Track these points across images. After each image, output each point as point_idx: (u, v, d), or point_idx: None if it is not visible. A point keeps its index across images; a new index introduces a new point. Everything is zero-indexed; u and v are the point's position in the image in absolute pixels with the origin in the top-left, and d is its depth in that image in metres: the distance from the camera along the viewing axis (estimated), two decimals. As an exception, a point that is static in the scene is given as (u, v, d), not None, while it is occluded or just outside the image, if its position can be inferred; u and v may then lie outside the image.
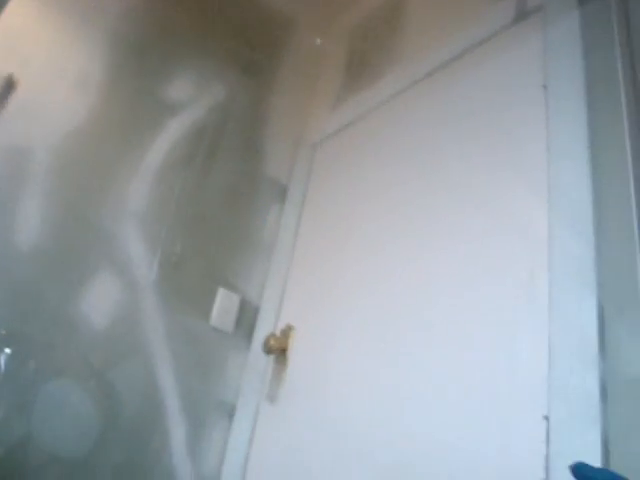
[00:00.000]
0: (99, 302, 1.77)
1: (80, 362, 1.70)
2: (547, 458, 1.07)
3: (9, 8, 1.79)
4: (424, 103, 1.88)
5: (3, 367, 1.55)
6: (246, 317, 2.08)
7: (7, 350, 1.57)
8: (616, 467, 0.98)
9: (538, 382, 1.14)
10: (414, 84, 1.96)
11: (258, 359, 1.98)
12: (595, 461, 0.99)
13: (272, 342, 1.89)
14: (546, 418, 1.10)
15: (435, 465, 1.29)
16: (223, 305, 2.02)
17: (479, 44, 1.74)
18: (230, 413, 1.98)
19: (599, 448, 0.99)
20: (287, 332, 1.93)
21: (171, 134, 2.07)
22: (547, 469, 1.06)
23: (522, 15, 1.64)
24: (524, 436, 1.14)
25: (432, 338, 1.45)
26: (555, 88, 1.44)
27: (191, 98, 2.18)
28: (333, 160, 2.23)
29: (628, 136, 1.23)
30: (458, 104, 1.73)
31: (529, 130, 1.44)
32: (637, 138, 1.24)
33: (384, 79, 2.12)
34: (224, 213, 2.13)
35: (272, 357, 1.94)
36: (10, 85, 1.78)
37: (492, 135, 1.55)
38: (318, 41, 2.60)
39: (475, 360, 1.31)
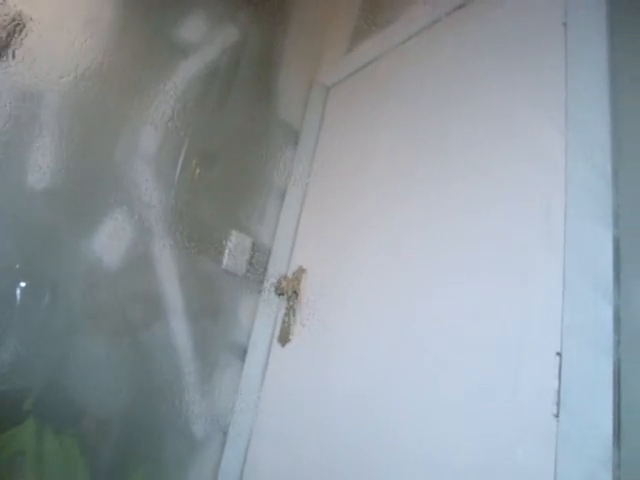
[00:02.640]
0: (112, 242, 1.77)
1: (92, 302, 1.71)
2: (559, 393, 1.07)
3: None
4: (441, 43, 1.83)
5: (19, 299, 1.56)
6: (258, 260, 2.08)
7: (22, 284, 1.59)
8: (627, 400, 0.98)
9: (551, 318, 1.14)
10: (431, 25, 1.91)
11: (270, 301, 1.99)
12: (607, 394, 0.99)
13: (284, 284, 1.90)
14: (559, 354, 1.10)
15: (446, 398, 1.30)
16: (235, 248, 2.02)
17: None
18: (242, 355, 1.99)
19: (610, 382, 0.99)
20: (299, 274, 1.93)
21: (184, 76, 2.04)
22: (558, 404, 1.07)
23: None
24: (536, 373, 1.14)
25: (446, 274, 1.45)
26: (576, 26, 1.40)
27: (203, 39, 2.13)
28: (347, 103, 2.20)
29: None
30: (477, 43, 1.69)
31: (549, 65, 1.41)
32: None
33: (400, 20, 2.07)
34: (236, 156, 2.11)
35: (283, 299, 1.95)
36: (20, 23, 1.76)
37: (511, 71, 1.51)
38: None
39: (488, 295, 1.31)
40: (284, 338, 1.88)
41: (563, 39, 1.41)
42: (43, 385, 1.59)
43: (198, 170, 1.98)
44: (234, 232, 2.03)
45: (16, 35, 1.74)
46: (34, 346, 1.59)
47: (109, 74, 1.88)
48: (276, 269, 2.05)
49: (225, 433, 1.90)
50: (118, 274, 1.77)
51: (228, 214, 2.05)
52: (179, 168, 1.94)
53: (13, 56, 1.72)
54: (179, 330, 1.86)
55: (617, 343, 1.02)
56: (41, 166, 1.68)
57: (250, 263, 2.06)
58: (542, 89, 1.41)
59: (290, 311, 1.90)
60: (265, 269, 2.09)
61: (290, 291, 1.90)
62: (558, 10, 1.45)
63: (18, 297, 1.57)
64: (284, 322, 1.91)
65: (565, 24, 1.42)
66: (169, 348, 1.84)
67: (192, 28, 2.11)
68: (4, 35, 1.71)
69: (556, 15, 1.45)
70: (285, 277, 1.94)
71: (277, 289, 1.91)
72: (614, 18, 1.33)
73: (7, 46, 1.71)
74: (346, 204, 1.92)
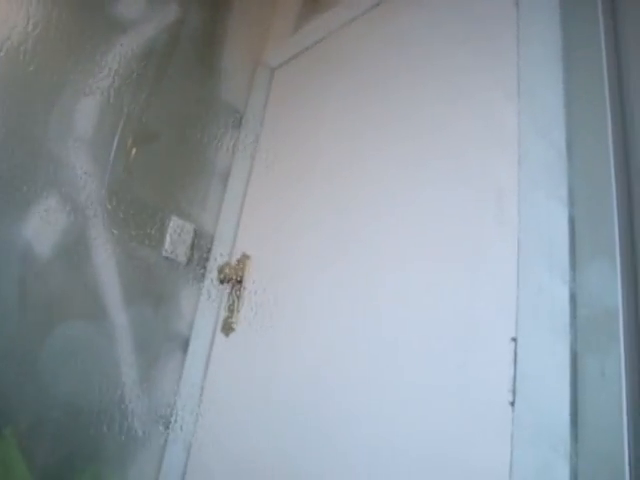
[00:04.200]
0: (44, 228, 1.67)
1: (23, 292, 1.61)
2: (514, 380, 1.03)
3: None
4: (389, 22, 1.78)
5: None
6: (200, 247, 2.00)
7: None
8: (584, 386, 0.94)
9: (507, 303, 1.10)
10: (378, 3, 1.86)
11: (213, 290, 1.92)
12: (563, 380, 0.95)
13: (227, 271, 1.83)
14: (514, 340, 1.06)
15: (398, 387, 1.26)
16: (176, 234, 1.93)
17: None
18: (184, 346, 1.92)
19: (567, 367, 0.96)
20: (243, 261, 1.86)
21: (121, 52, 1.94)
22: (514, 391, 1.03)
23: None
24: (491, 359, 1.10)
25: (397, 256, 1.40)
26: (527, 5, 1.37)
27: (142, 15, 2.03)
28: (292, 84, 2.13)
29: (604, 49, 1.17)
30: (426, 22, 1.64)
31: (501, 43, 1.38)
32: (613, 51, 1.19)
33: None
34: (177, 137, 2.01)
35: (227, 287, 1.87)
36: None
37: (463, 49, 1.48)
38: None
39: (440, 279, 1.27)
40: (228, 328, 1.81)
41: (515, 19, 1.38)
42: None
43: (135, 152, 1.88)
44: (175, 218, 1.94)
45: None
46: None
47: (41, 49, 1.77)
48: (219, 256, 1.97)
49: (168, 427, 1.83)
50: (51, 263, 1.66)
51: (168, 199, 1.96)
52: (115, 149, 1.84)
53: None
54: (118, 322, 1.77)
55: (574, 327, 0.98)
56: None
57: (192, 250, 1.97)
58: (494, 65, 1.38)
59: (234, 299, 1.83)
60: (208, 256, 2.01)
61: (234, 279, 1.83)
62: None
63: None
64: (228, 311, 1.84)
65: (517, 4, 1.39)
66: (108, 341, 1.74)
67: (131, 3, 2.00)
68: None
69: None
70: (228, 264, 1.86)
71: (220, 277, 1.84)
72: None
73: None
74: (291, 188, 1.86)
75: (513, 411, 1.03)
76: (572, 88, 1.17)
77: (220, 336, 1.83)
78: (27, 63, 1.73)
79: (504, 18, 1.41)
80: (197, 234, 1.99)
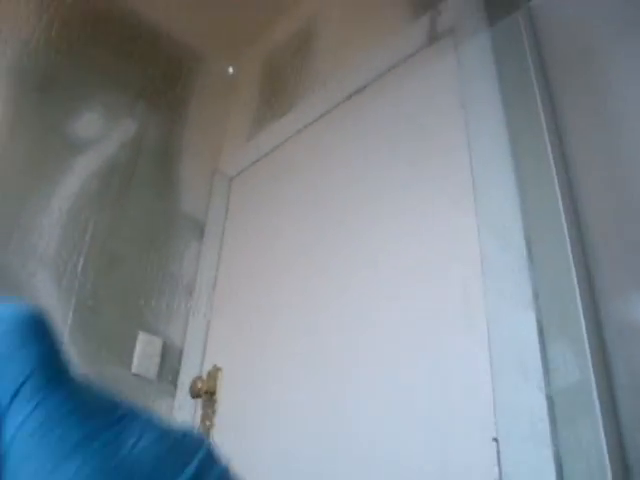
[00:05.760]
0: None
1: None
2: (500, 480, 1.04)
3: None
4: (342, 127, 1.85)
5: None
6: (170, 361, 1.97)
7: None
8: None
9: (484, 403, 1.11)
10: (331, 109, 1.93)
11: (185, 404, 1.88)
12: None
13: (199, 385, 1.80)
14: (495, 440, 1.07)
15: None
16: (144, 350, 1.91)
17: (394, 67, 1.73)
18: (158, 465, 1.85)
19: (552, 467, 0.96)
20: (214, 374, 1.84)
21: (81, 172, 1.96)
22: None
23: (434, 38, 1.64)
24: (475, 460, 1.10)
25: (366, 360, 1.40)
26: (473, 107, 1.44)
27: (100, 134, 2.07)
28: (250, 192, 2.17)
29: (549, 144, 1.24)
30: (378, 127, 1.71)
31: (452, 149, 1.44)
32: (558, 146, 1.26)
33: (299, 106, 2.09)
34: (140, 253, 2.02)
35: (200, 401, 1.84)
36: None
37: (415, 156, 1.53)
38: (230, 70, 2.54)
39: (415, 384, 1.27)
40: (203, 443, 1.76)
41: (463, 122, 1.44)
42: None
43: (100, 271, 1.88)
44: (142, 333, 1.92)
45: None
46: None
47: (1, 169, 1.78)
48: (190, 369, 1.94)
49: None
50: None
51: (135, 315, 1.94)
52: (79, 271, 1.83)
53: None
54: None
55: (554, 428, 0.99)
56: None
57: (161, 365, 1.94)
58: (447, 167, 1.43)
59: (208, 413, 1.80)
60: (178, 370, 1.98)
61: (206, 392, 1.80)
62: (456, 94, 1.49)
63: None
64: (202, 425, 1.80)
65: (464, 106, 1.46)
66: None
67: (88, 123, 2.04)
68: None
69: (454, 99, 1.49)
70: (200, 377, 1.84)
71: (192, 391, 1.81)
72: (506, 93, 1.38)
73: None
74: (258, 297, 1.86)
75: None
76: (524, 183, 1.23)
77: (196, 452, 1.78)
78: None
79: (453, 119, 1.47)
80: (166, 348, 1.97)
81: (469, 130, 1.40)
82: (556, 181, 1.19)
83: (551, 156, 1.23)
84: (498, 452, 1.06)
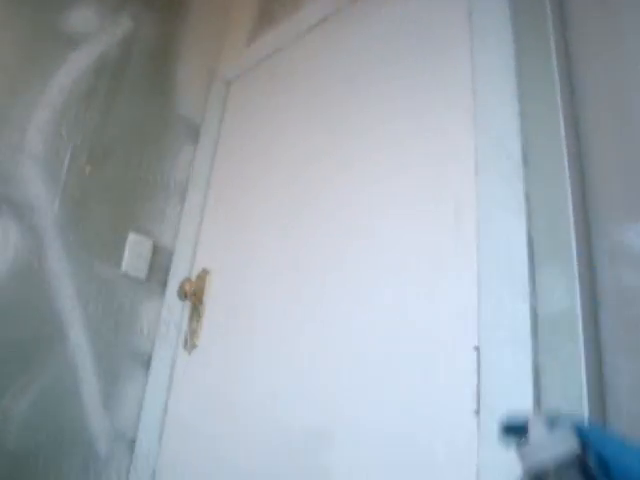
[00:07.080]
0: (-4, 248, 1.63)
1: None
2: (478, 388, 1.04)
3: None
4: (344, 34, 1.79)
5: None
6: (160, 262, 1.97)
7: None
8: (547, 393, 0.95)
9: (468, 314, 1.11)
10: (334, 14, 1.87)
11: (173, 306, 1.89)
12: (526, 389, 0.96)
13: (187, 287, 1.81)
14: (476, 349, 1.07)
15: (364, 397, 1.25)
16: (134, 250, 1.90)
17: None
18: (146, 363, 1.88)
19: (530, 377, 0.97)
20: (203, 276, 1.84)
21: (72, 68, 1.90)
22: (478, 400, 1.04)
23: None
24: (454, 368, 1.10)
25: (358, 272, 1.40)
26: (479, 15, 1.38)
27: (94, 30, 2.00)
28: (249, 97, 2.12)
29: (555, 59, 1.19)
30: (382, 33, 1.65)
31: (454, 51, 1.39)
32: (564, 60, 1.21)
33: (302, 10, 2.01)
34: (133, 153, 1.98)
35: (188, 303, 1.85)
36: None
37: (417, 63, 1.49)
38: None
39: (402, 293, 1.27)
40: (190, 344, 1.79)
41: (468, 29, 1.39)
42: None
43: (89, 168, 1.85)
44: (133, 233, 1.91)
45: None
46: None
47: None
48: (179, 271, 1.94)
49: (132, 448, 1.79)
50: (5, 282, 1.62)
51: (125, 215, 1.93)
52: (67, 166, 1.80)
53: None
54: (77, 342, 1.73)
55: (534, 339, 0.99)
56: None
57: (151, 266, 1.94)
58: (449, 78, 1.39)
59: (195, 315, 1.81)
60: (167, 272, 1.98)
61: (194, 294, 1.81)
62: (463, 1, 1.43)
63: None
64: (189, 327, 1.81)
65: (470, 14, 1.40)
66: (68, 363, 1.70)
67: (82, 18, 1.97)
68: None
69: (462, 6, 1.43)
70: (189, 280, 1.84)
71: (180, 293, 1.81)
72: (517, 5, 1.32)
73: None
74: (250, 202, 1.84)
75: (478, 419, 1.03)
76: (526, 97, 1.18)
77: (183, 353, 1.81)
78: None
79: (459, 28, 1.42)
80: (156, 250, 1.97)
81: (473, 36, 1.35)
82: (558, 90, 1.15)
83: (556, 69, 1.18)
84: (478, 360, 1.07)
